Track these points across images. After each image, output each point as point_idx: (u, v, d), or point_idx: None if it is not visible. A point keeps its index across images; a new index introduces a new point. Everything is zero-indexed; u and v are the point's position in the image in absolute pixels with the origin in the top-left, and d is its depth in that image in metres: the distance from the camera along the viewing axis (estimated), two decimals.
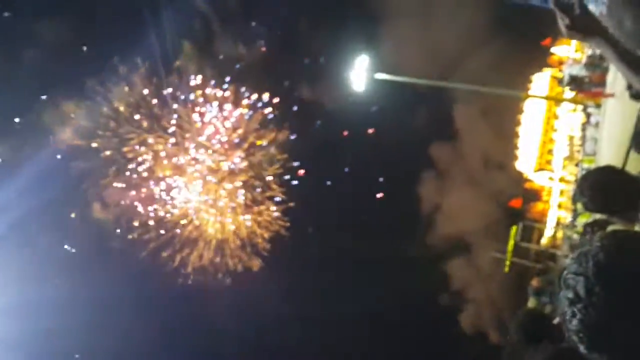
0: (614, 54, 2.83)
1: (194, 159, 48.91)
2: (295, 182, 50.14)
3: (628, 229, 3.76)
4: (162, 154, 48.69)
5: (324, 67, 46.87)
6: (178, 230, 49.85)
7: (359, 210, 49.99)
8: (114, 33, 44.99)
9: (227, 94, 48.24)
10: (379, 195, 51.22)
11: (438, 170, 50.26)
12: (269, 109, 48.71)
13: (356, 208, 50.12)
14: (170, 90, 47.03)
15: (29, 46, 46.50)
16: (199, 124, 48.57)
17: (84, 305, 44.16)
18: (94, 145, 48.00)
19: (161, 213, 49.35)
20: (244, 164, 49.63)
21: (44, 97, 46.89)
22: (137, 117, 47.93)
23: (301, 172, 50.02)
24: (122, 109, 47.57)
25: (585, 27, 2.83)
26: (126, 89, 47.08)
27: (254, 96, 48.47)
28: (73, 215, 48.26)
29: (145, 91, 47.26)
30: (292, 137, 49.22)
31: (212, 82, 47.93)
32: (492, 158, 48.81)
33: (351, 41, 38.85)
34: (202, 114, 48.29)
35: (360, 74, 31.07)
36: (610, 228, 4.13)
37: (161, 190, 49.13)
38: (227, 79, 48.21)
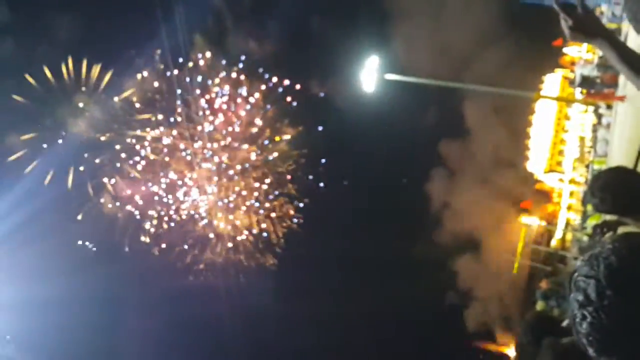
0: (616, 55, 2.81)
1: (203, 153, 48.81)
2: (308, 180, 50.19)
3: (639, 230, 3.71)
4: (169, 143, 48.56)
5: (334, 67, 46.85)
6: (190, 228, 49.95)
7: (369, 209, 50.12)
8: (124, 26, 45.08)
9: (241, 79, 48.13)
10: (388, 195, 51.24)
11: (448, 171, 50.13)
12: (280, 100, 48.68)
13: (367, 207, 50.26)
14: (176, 72, 46.75)
15: (38, 40, 46.62)
16: (216, 117, 48.39)
17: (93, 303, 44.40)
18: (103, 138, 48.07)
19: (172, 210, 49.43)
20: (258, 158, 49.57)
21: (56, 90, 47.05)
22: (149, 110, 47.91)
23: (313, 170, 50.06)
24: (134, 99, 47.46)
25: (587, 28, 2.82)
26: (139, 77, 46.98)
27: (262, 87, 48.34)
28: (80, 217, 48.25)
29: (157, 83, 47.24)
30: (303, 134, 49.29)
31: (224, 61, 47.76)
32: (503, 159, 48.59)
33: (361, 42, 38.86)
34: (211, 101, 48.08)
35: (370, 74, 31.00)
36: (621, 229, 4.07)
37: (168, 187, 49.12)
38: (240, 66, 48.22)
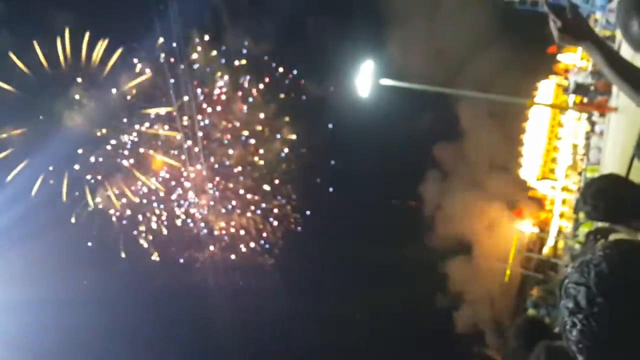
0: (604, 59, 2.84)
1: (201, 150, 48.31)
2: (304, 182, 50.16)
3: (631, 238, 3.70)
4: (167, 140, 48.06)
5: (328, 72, 47.04)
6: (187, 228, 49.57)
7: (363, 214, 50.27)
8: (123, 17, 44.79)
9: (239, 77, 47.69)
10: (383, 199, 51.44)
11: (442, 177, 50.21)
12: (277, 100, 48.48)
13: (359, 211, 50.41)
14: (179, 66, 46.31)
15: (33, 28, 45.80)
16: (215, 113, 47.95)
17: (91, 303, 44.05)
18: (99, 134, 47.33)
19: (169, 210, 48.99)
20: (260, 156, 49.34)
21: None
22: (148, 105, 47.35)
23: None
24: (133, 92, 46.76)
25: (576, 30, 2.85)
26: (138, 69, 46.37)
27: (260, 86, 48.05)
28: (74, 217, 47.64)
29: (157, 76, 46.72)
30: (301, 136, 49.27)
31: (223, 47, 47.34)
32: (496, 165, 48.73)
33: (356, 47, 39.00)
34: (211, 96, 47.57)
35: (365, 79, 30.97)
36: (612, 236, 4.08)
37: (165, 187, 48.73)
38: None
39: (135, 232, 48.39)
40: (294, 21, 47.85)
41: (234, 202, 49.60)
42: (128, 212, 48.25)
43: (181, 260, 49.39)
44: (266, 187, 49.92)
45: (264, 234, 50.27)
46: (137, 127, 47.56)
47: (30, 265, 42.90)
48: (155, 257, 48.32)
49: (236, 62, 47.88)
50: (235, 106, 48.54)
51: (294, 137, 49.47)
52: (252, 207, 49.95)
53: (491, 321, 47.37)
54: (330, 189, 51.07)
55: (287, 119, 49.08)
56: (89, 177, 47.58)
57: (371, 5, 47.40)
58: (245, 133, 48.85)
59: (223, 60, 47.65)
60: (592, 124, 36.10)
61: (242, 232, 50.00)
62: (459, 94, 37.85)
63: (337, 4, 49.04)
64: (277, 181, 50.06)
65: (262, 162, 49.60)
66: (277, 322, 45.93)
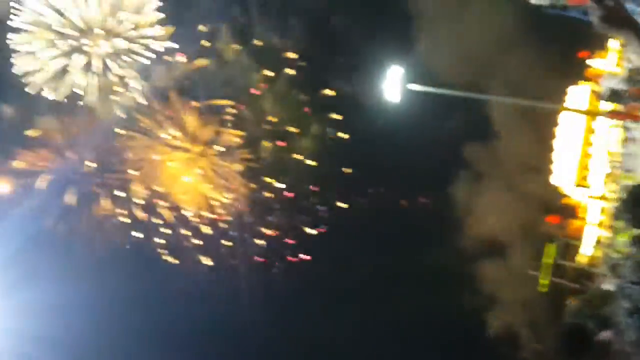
0: None
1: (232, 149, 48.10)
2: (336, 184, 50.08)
3: None
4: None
5: (355, 75, 47.15)
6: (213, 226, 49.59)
7: (391, 219, 50.11)
8: None
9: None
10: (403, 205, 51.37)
11: (472, 181, 49.82)
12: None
13: (391, 213, 50.10)
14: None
15: None
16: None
17: (115, 304, 44.47)
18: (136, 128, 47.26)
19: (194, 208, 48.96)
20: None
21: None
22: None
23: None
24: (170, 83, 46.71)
25: (617, 19, 2.82)
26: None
27: None
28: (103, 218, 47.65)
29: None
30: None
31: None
32: (528, 172, 48.14)
33: (384, 52, 39.06)
34: None
35: (393, 84, 31.00)
36: None
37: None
38: None
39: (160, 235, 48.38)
40: (319, 28, 48.16)
41: (276, 205, 49.56)
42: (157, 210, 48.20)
43: (211, 263, 49.41)
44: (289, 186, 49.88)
45: (302, 237, 50.21)
46: (177, 122, 47.51)
47: (58, 266, 43.30)
48: (207, 262, 48.21)
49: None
50: (268, 101, 48.60)
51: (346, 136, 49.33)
52: (293, 208, 49.88)
53: (524, 327, 46.76)
54: (359, 193, 51.20)
55: (333, 115, 48.90)
56: (126, 173, 47.49)
57: (397, 10, 47.51)
58: (291, 129, 48.88)
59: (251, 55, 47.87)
60: (627, 130, 35.58)
61: (284, 237, 49.93)
62: (488, 98, 37.60)
63: (362, 11, 49.28)
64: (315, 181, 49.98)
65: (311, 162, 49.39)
66: (307, 323, 45.95)
